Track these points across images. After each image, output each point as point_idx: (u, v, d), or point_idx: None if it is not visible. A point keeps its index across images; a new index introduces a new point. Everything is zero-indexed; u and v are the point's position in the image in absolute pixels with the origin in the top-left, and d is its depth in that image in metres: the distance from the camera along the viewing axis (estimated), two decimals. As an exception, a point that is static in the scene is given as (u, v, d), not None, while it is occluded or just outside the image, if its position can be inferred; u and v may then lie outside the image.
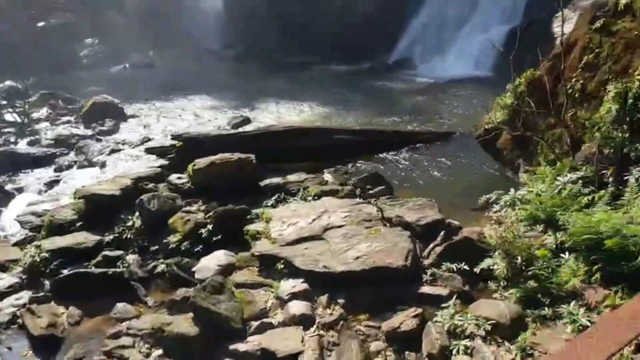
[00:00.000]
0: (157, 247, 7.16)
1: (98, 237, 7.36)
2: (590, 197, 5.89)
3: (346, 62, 22.20)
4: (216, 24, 28.44)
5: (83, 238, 7.34)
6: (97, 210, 7.98)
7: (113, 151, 12.25)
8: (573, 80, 7.74)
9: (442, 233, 6.36)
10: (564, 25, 8.09)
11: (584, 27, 8.09)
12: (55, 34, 25.98)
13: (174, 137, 10.91)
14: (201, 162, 8.81)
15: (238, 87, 19.30)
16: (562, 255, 5.15)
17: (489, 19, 18.52)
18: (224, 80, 20.66)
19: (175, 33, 28.10)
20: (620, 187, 5.98)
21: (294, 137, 10.66)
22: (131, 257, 6.92)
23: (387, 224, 6.70)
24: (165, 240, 7.18)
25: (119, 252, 7.04)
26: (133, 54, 26.21)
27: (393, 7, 21.99)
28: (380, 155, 10.60)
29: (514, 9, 17.71)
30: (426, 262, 5.90)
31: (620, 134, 6.35)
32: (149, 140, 12.78)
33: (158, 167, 10.09)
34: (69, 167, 11.52)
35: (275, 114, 15.26)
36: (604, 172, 6.51)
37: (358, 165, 10.17)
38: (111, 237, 7.38)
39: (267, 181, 8.91)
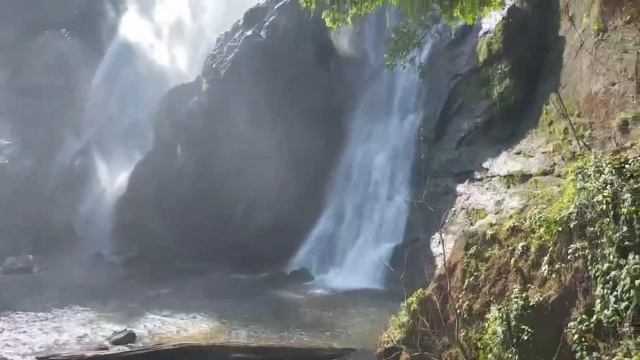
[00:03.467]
0: None
1: None
2: None
3: (244, 270, 22.20)
4: (108, 226, 27.80)
5: None
6: None
7: (-46, 378, 10.02)
8: (460, 300, 8.36)
9: None
10: (441, 246, 9.08)
11: (461, 252, 9.15)
12: None
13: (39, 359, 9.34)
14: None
15: (125, 297, 17.91)
16: None
17: (377, 236, 20.40)
18: (110, 289, 19.20)
19: (61, 235, 26.73)
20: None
21: (186, 357, 9.69)
22: None
23: None
24: None
25: None
26: (9, 257, 23.94)
27: (292, 218, 23.49)
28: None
29: (396, 229, 19.83)
30: None
31: (510, 355, 6.69)
32: (7, 362, 10.79)
33: (11, 399, 8.30)
34: None
35: (165, 328, 14.04)
36: (505, 395, 6.60)
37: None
38: None
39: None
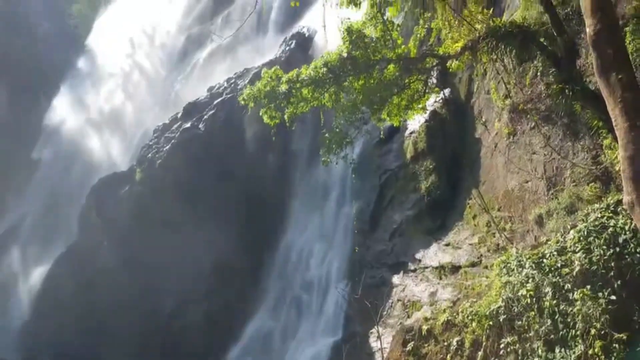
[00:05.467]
0: None
1: None
2: None
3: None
4: (17, 328, 25.06)
5: None
6: None
7: None
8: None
9: None
10: (380, 340, 8.99)
11: (399, 349, 9.09)
12: None
13: None
14: None
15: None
16: None
17: (315, 332, 19.73)
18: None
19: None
20: None
21: None
22: None
23: None
24: None
25: None
26: None
27: (225, 313, 22.30)
28: None
29: (335, 323, 19.34)
30: None
31: None
32: None
33: None
34: None
35: None
36: None
37: None
38: None
39: None
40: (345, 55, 11.16)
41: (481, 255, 14.22)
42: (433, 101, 17.11)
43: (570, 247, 7.12)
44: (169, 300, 23.73)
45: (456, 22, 11.00)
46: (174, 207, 23.74)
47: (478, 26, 10.48)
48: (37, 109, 38.62)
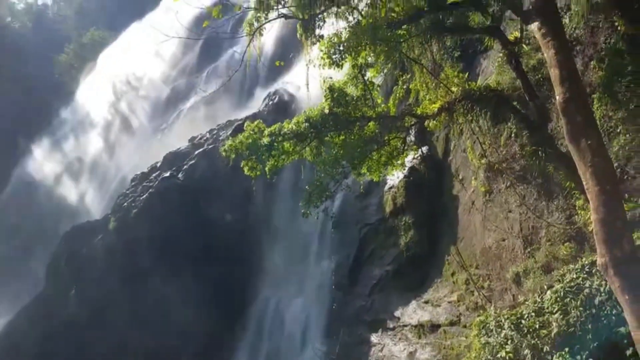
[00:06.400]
0: None
1: None
2: None
3: None
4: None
5: None
6: None
7: None
8: None
9: None
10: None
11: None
12: None
13: None
14: None
15: None
16: None
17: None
18: None
19: None
20: None
21: None
22: None
23: None
24: None
25: None
26: None
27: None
28: None
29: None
30: None
31: None
32: None
33: None
34: None
35: None
36: None
37: None
38: None
39: None
40: (327, 111, 11.43)
41: (460, 313, 14.05)
42: (412, 158, 17.45)
43: (548, 308, 7.10)
44: (139, 356, 22.59)
45: (433, 85, 11.45)
46: (147, 258, 23.10)
47: (454, 89, 10.92)
48: (14, 154, 38.12)
